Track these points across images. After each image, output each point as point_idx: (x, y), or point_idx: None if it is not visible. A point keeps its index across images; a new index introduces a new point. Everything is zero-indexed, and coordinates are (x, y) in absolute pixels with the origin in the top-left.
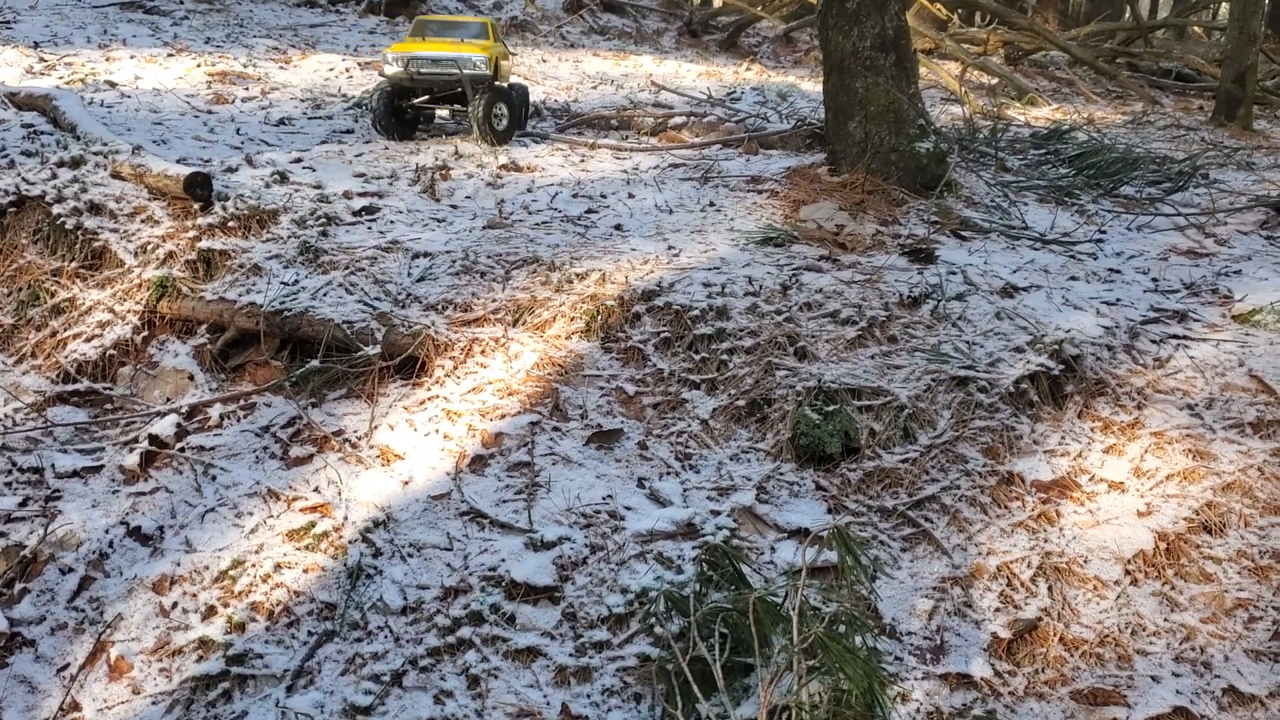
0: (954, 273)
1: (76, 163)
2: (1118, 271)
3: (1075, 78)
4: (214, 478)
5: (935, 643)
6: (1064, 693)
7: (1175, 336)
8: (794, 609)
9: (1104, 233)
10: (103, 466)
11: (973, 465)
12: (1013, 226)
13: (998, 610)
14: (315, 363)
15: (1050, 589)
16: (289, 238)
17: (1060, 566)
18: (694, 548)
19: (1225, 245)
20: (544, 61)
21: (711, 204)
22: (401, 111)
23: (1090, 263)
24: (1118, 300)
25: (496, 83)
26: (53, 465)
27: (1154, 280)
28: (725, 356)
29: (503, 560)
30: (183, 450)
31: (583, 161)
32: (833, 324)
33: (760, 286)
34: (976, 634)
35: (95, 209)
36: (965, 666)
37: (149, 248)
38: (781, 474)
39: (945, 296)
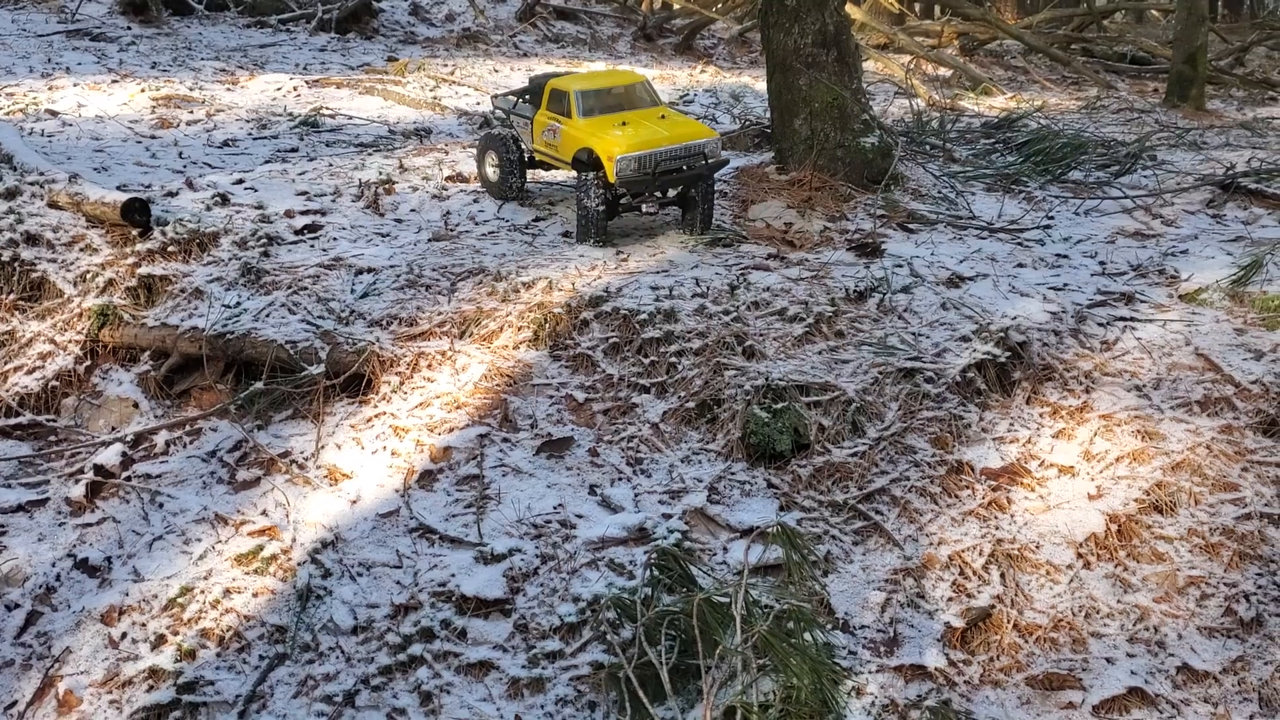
0: (900, 265)
1: (11, 194)
2: (1065, 256)
3: (1030, 66)
4: (161, 505)
5: (889, 635)
6: (1019, 679)
7: (1122, 319)
8: (738, 609)
9: (1051, 218)
10: (48, 499)
11: (921, 456)
12: (960, 217)
13: (951, 600)
14: (260, 384)
15: (1003, 576)
16: (230, 260)
17: (1012, 553)
18: (646, 552)
19: (1172, 226)
20: (496, 71)
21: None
22: (615, 211)
23: (1037, 249)
24: (1065, 285)
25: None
26: None
27: (1101, 263)
28: (674, 359)
29: (453, 575)
30: (129, 479)
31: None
32: (780, 322)
33: (708, 288)
34: (930, 624)
35: (32, 239)
36: (919, 658)
37: (88, 276)
38: (733, 474)
39: (891, 290)
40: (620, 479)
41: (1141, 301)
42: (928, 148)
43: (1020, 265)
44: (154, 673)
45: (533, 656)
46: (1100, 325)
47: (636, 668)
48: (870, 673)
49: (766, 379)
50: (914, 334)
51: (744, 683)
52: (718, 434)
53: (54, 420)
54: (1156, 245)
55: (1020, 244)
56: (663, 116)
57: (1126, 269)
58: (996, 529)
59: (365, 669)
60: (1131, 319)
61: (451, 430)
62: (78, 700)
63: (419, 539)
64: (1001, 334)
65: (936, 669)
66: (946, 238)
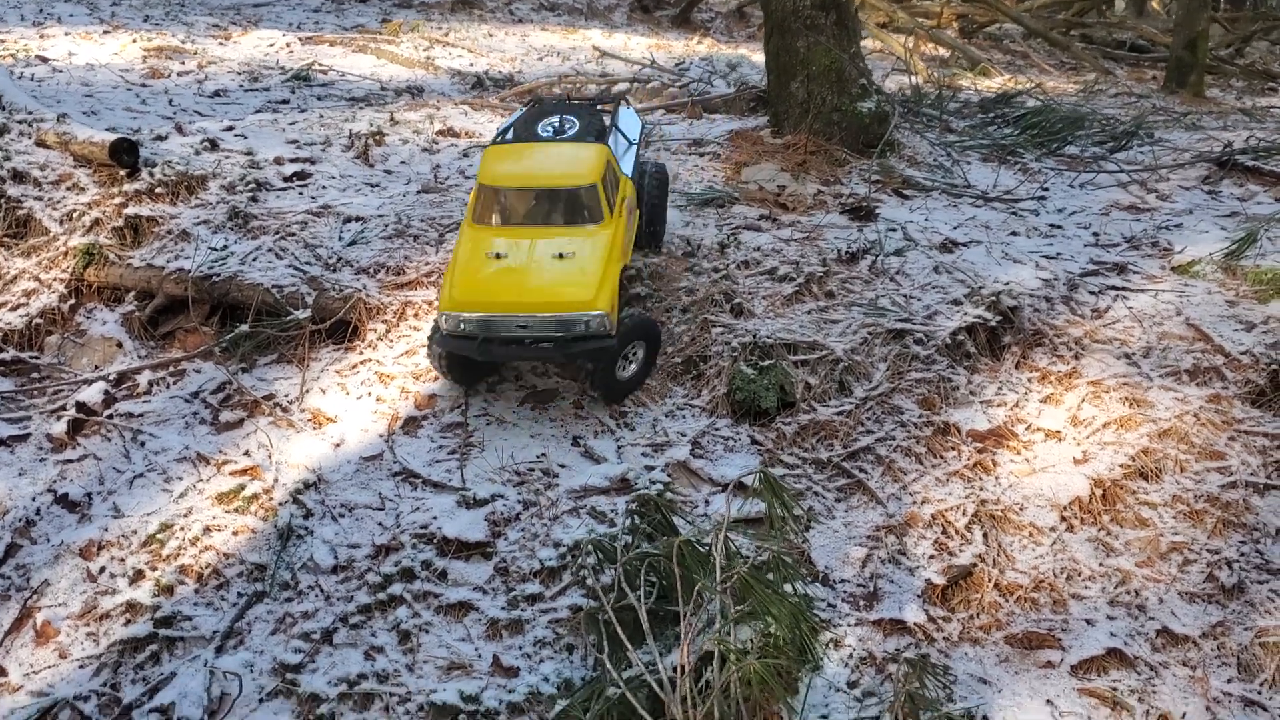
0: (894, 229)
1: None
2: (1059, 227)
3: (1029, 50)
4: (143, 444)
5: (869, 590)
6: (998, 637)
7: (1114, 288)
8: (718, 552)
9: (1046, 190)
10: (29, 435)
11: (908, 416)
12: (955, 185)
13: (932, 558)
14: (245, 327)
15: (985, 536)
16: (218, 203)
17: (996, 514)
18: (627, 502)
19: (1167, 200)
20: (490, 36)
21: None
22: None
23: (1032, 219)
24: (1058, 254)
25: (626, 316)
26: None
27: (1095, 234)
28: (662, 316)
29: (435, 518)
30: (111, 417)
31: None
32: (770, 281)
33: (698, 246)
34: (911, 581)
35: (19, 177)
36: (899, 613)
37: (75, 215)
38: (717, 429)
39: (884, 252)
40: (604, 431)
41: (1134, 272)
42: (925, 118)
43: (1014, 233)
44: (131, 607)
45: (512, 599)
46: (1092, 294)
47: (616, 611)
48: (849, 625)
49: (754, 336)
50: (905, 296)
51: (722, 628)
52: (703, 390)
53: (37, 357)
54: (1151, 219)
55: (1014, 213)
56: (560, 256)
57: (1120, 240)
58: (981, 490)
59: (344, 607)
60: (1123, 288)
61: (437, 379)
62: (55, 631)
63: (402, 482)
64: (993, 298)
65: (916, 624)
66: (941, 204)
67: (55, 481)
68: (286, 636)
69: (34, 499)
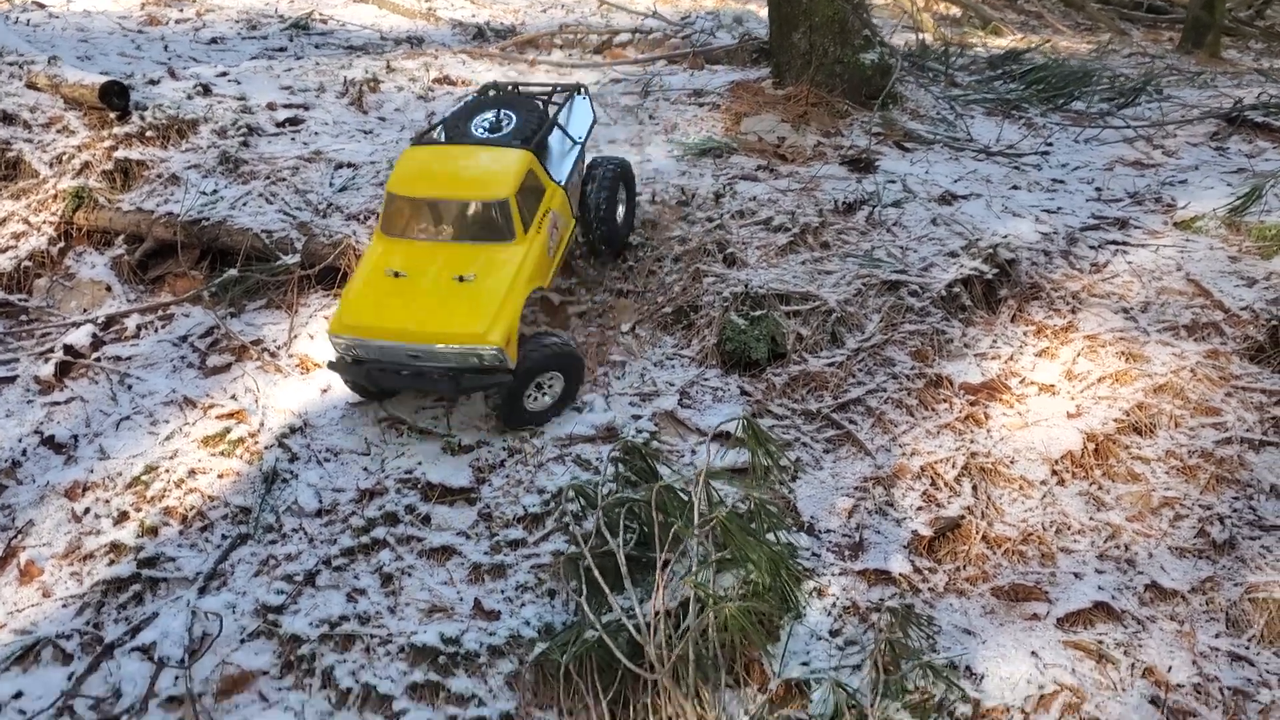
0: (893, 181)
1: None
2: (1061, 181)
3: (1044, 10)
4: (130, 387)
5: (854, 540)
6: (985, 589)
7: (1114, 243)
8: (698, 496)
9: (1050, 145)
10: (17, 377)
11: (900, 368)
12: (957, 138)
13: (920, 509)
14: (234, 272)
15: (975, 489)
16: (209, 148)
17: (986, 467)
18: (611, 449)
19: (1173, 156)
20: None
21: (651, 117)
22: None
23: (1034, 173)
24: (1059, 208)
25: (535, 346)
26: None
27: (1097, 189)
28: (654, 265)
29: (420, 463)
30: (99, 360)
31: (520, 77)
32: (765, 231)
33: (693, 195)
34: (897, 532)
35: (8, 119)
36: (884, 563)
37: (64, 158)
38: (706, 379)
39: (882, 203)
40: (593, 379)
41: (1135, 227)
42: (930, 73)
43: (1015, 187)
44: (115, 547)
45: (495, 544)
46: (1091, 248)
47: (596, 557)
48: (833, 575)
49: (746, 287)
50: (901, 248)
51: (700, 572)
52: (693, 340)
53: (26, 300)
54: (1155, 174)
55: (1017, 168)
56: (461, 279)
57: (1123, 196)
58: (972, 443)
59: (327, 550)
60: (1124, 243)
61: None
62: (39, 570)
63: (388, 429)
64: (990, 251)
65: (901, 575)
66: (942, 158)
67: (42, 423)
68: (269, 578)
69: (20, 440)
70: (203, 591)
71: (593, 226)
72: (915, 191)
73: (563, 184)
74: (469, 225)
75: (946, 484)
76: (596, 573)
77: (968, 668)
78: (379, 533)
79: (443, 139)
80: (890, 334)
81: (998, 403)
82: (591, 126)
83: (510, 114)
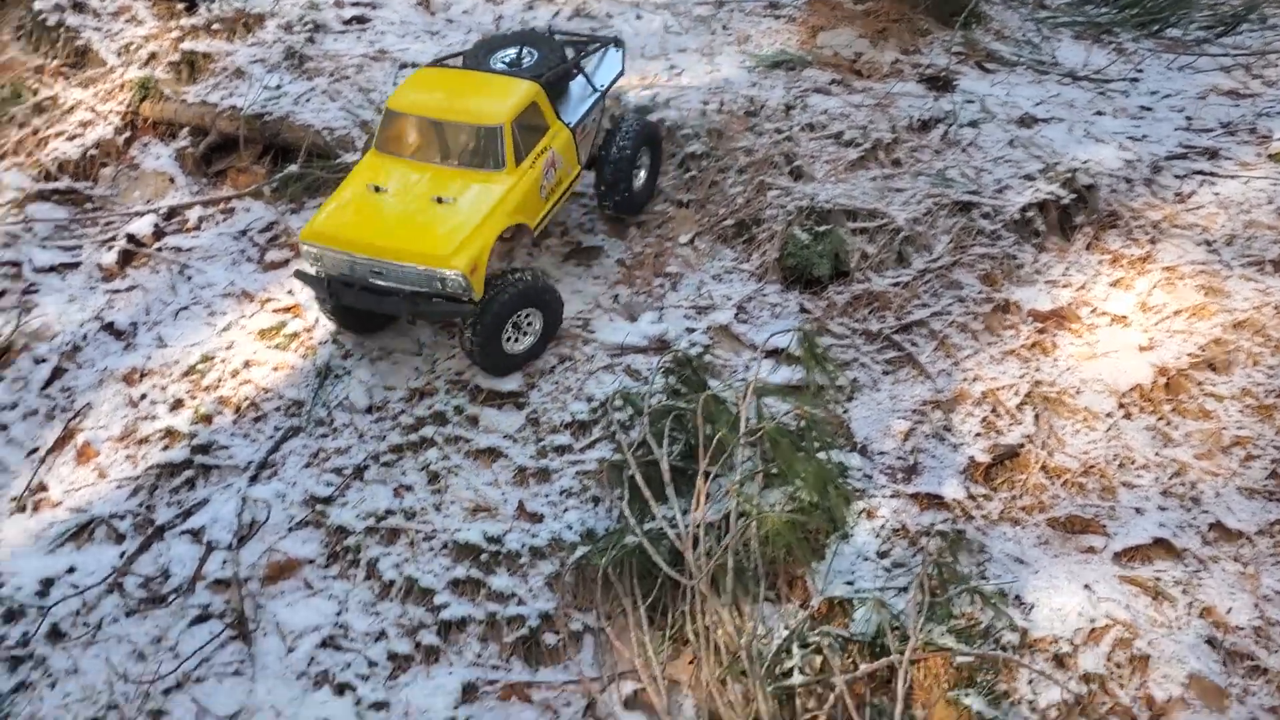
0: (971, 101)
1: None
2: (1149, 109)
3: None
4: (189, 278)
5: (908, 463)
6: (1040, 519)
7: (1202, 173)
8: (745, 409)
9: (1140, 71)
10: (80, 263)
11: (967, 292)
12: (1042, 61)
13: (978, 436)
14: (295, 168)
15: (1037, 418)
16: (274, 43)
17: (1050, 396)
18: (664, 361)
19: (1273, 87)
20: None
21: (724, 28)
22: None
23: (1121, 99)
24: (1144, 136)
25: (516, 277)
26: (31, 260)
27: (1187, 118)
28: (717, 176)
29: (470, 366)
30: (160, 250)
31: None
32: (834, 145)
33: (761, 107)
34: (953, 457)
35: (78, 7)
36: (937, 488)
37: (132, 48)
38: (764, 295)
39: (958, 123)
40: (647, 291)
41: (1225, 158)
42: None
43: (1099, 113)
44: (170, 433)
45: (541, 448)
46: (1176, 177)
47: (641, 466)
48: (884, 497)
49: (812, 201)
50: (976, 169)
51: (744, 482)
52: (753, 254)
53: (91, 188)
54: (1252, 105)
55: (1103, 93)
56: (439, 201)
57: (1214, 126)
58: (1037, 371)
59: (376, 446)
60: (1212, 174)
61: None
62: (95, 452)
63: (440, 331)
64: (1069, 175)
65: (954, 500)
66: (1025, 80)
67: (103, 310)
68: (319, 470)
69: (82, 325)
70: (253, 480)
71: (605, 185)
72: (994, 113)
73: (571, 126)
74: (459, 149)
75: (1008, 411)
76: (641, 480)
77: (1017, 597)
78: (427, 431)
79: (460, 67)
80: (959, 256)
81: (1066, 332)
82: (616, 79)
83: (533, 51)
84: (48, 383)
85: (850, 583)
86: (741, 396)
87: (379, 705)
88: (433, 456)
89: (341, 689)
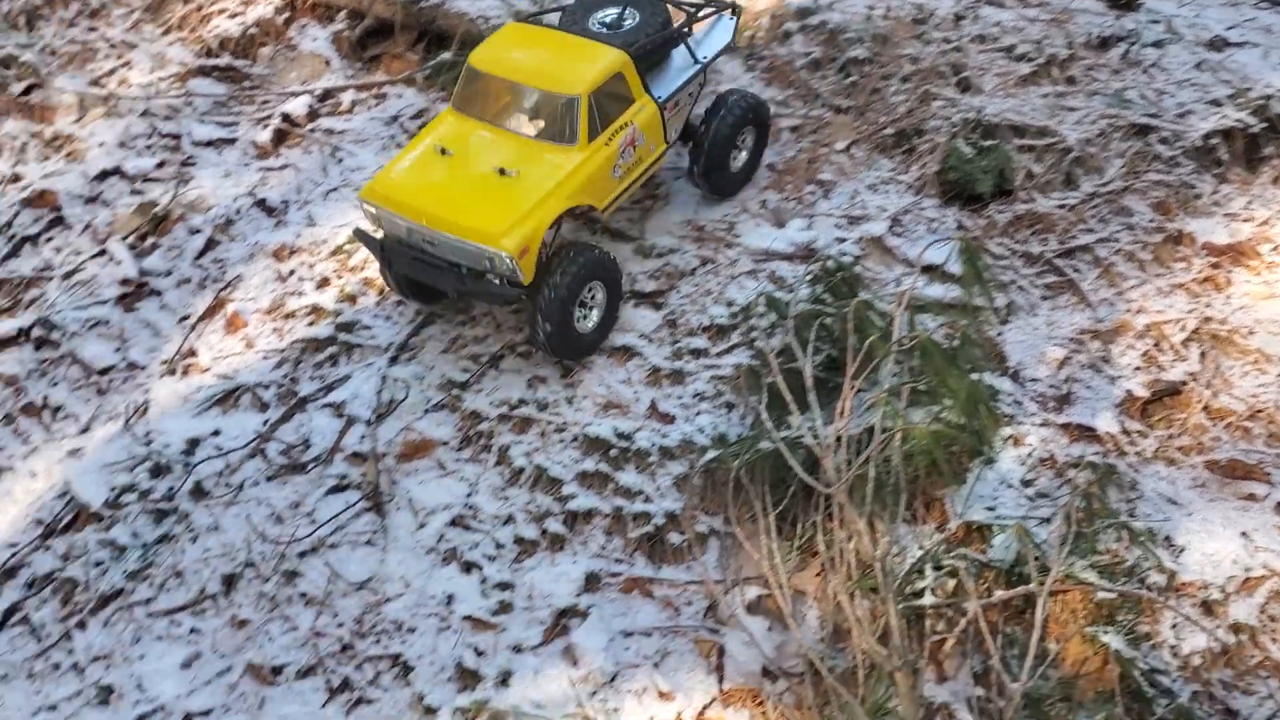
0: (1156, 21)
1: None
2: None
3: None
4: (340, 160)
5: (1061, 393)
6: (1198, 461)
7: None
8: (899, 315)
9: None
10: (236, 140)
11: (1138, 219)
12: None
13: (1138, 369)
14: (448, 56)
15: (1203, 355)
16: None
17: (1219, 334)
18: (812, 268)
19: None
20: None
21: None
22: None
23: None
24: None
25: (580, 255)
26: (190, 134)
27: None
28: (879, 83)
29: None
30: (313, 132)
31: None
32: (1005, 59)
33: (930, 15)
34: (1110, 390)
35: None
36: (1090, 420)
37: None
38: (921, 209)
39: (1141, 41)
40: (797, 198)
41: None
42: None
43: None
44: (315, 310)
45: (677, 350)
46: None
47: (782, 373)
48: (1033, 425)
49: (978, 114)
50: (1157, 91)
51: (892, 392)
52: (912, 165)
53: (250, 66)
54: None
55: None
56: (502, 172)
57: None
58: (1207, 307)
59: (513, 337)
60: None
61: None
62: (244, 322)
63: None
64: (1260, 103)
65: (1107, 434)
66: (1216, 2)
67: (256, 186)
68: (456, 356)
69: (235, 200)
70: (393, 360)
71: (700, 162)
72: (1181, 34)
73: (661, 100)
74: (533, 116)
75: (1172, 347)
76: (782, 385)
77: (1167, 538)
78: None
79: (556, 24)
80: (1131, 181)
81: (1243, 268)
82: (722, 50)
83: (635, 13)
84: (201, 253)
85: (991, 509)
86: (896, 303)
87: (504, 585)
88: None
89: (468, 567)
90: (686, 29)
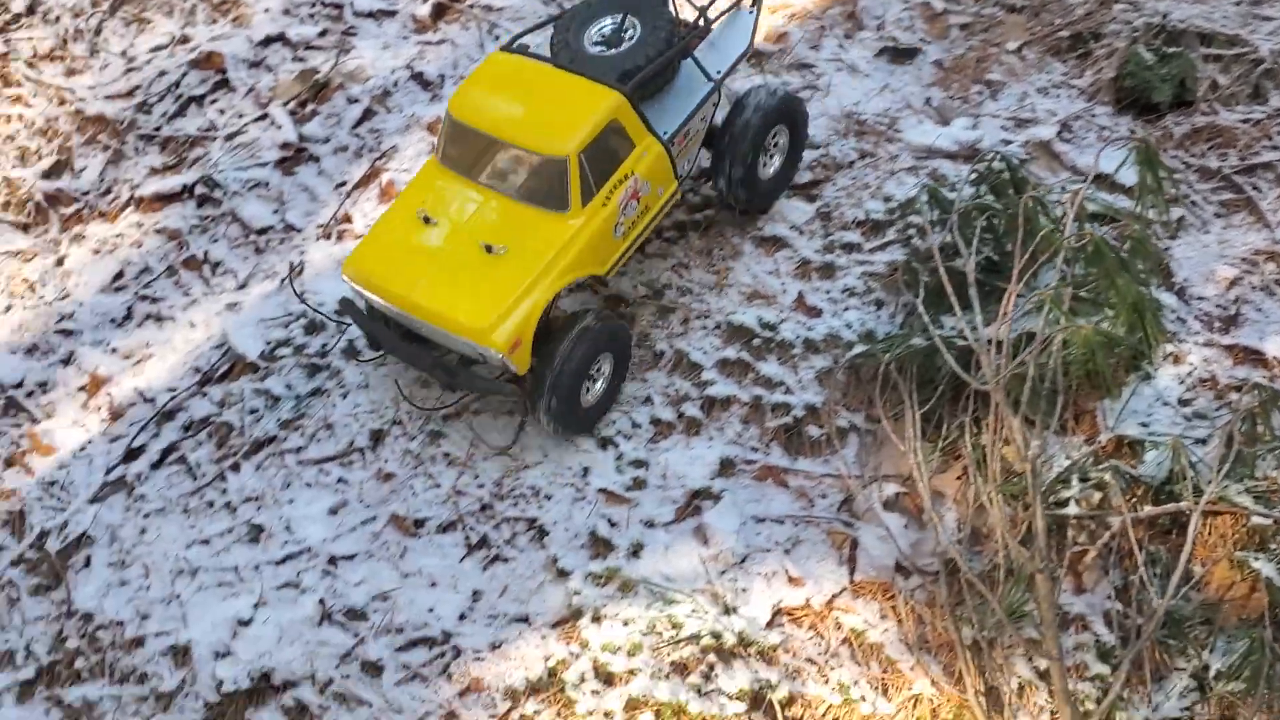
0: None
1: None
2: None
3: None
4: (497, 38)
5: (1229, 313)
6: None
7: None
8: (1072, 210)
9: None
10: (397, 12)
11: None
12: None
13: None
14: None
15: None
16: None
17: None
18: (973, 165)
19: None
20: None
21: None
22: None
23: None
24: None
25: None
26: (352, 4)
27: None
28: None
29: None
30: (472, 8)
31: None
32: None
33: None
34: None
35: None
36: (1258, 342)
37: None
38: (1093, 115)
39: None
40: (963, 97)
41: None
42: None
43: None
44: None
45: (829, 244)
46: None
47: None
48: (1196, 344)
49: (1163, 19)
50: None
51: (1057, 292)
52: (1086, 70)
53: None
54: None
55: None
56: (489, 250)
57: None
58: None
59: (661, 223)
60: None
61: (792, 17)
62: (397, 191)
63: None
64: None
65: (1276, 359)
66: None
67: (414, 59)
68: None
69: (393, 72)
70: None
71: (726, 176)
72: None
73: (667, 136)
74: (517, 179)
75: None
76: (945, 280)
77: None
78: (710, 213)
79: (550, 41)
80: None
81: None
82: (741, 57)
83: (636, 23)
84: (358, 122)
85: (1144, 425)
86: (1070, 201)
87: (639, 463)
88: (714, 240)
89: (605, 443)
90: (697, 38)
